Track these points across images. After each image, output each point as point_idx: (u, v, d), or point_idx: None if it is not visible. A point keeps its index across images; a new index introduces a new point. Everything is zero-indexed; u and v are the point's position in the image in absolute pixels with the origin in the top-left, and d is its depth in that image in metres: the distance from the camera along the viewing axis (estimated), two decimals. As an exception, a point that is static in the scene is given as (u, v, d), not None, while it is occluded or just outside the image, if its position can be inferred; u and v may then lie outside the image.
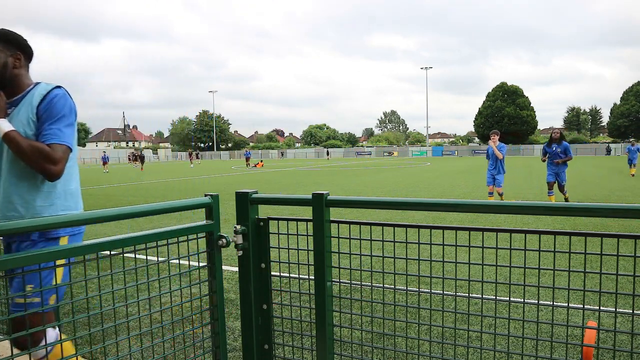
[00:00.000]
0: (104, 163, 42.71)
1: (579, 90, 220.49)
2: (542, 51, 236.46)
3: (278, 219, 2.36)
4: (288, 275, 2.51)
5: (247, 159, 47.15)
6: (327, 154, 77.84)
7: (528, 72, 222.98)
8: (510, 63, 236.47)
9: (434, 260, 2.06)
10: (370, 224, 2.20)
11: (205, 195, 2.28)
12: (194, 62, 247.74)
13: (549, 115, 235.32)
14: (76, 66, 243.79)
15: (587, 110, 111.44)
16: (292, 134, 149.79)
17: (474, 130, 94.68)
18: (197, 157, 54.11)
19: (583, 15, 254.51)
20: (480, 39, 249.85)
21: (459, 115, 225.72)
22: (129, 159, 43.37)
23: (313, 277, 2.24)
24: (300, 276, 2.38)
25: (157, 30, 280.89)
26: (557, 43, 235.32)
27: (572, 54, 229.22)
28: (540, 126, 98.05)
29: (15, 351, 1.90)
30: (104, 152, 47.46)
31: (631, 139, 25.68)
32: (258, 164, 45.25)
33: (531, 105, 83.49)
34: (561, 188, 11.68)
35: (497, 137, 11.43)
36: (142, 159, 45.32)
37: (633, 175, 21.83)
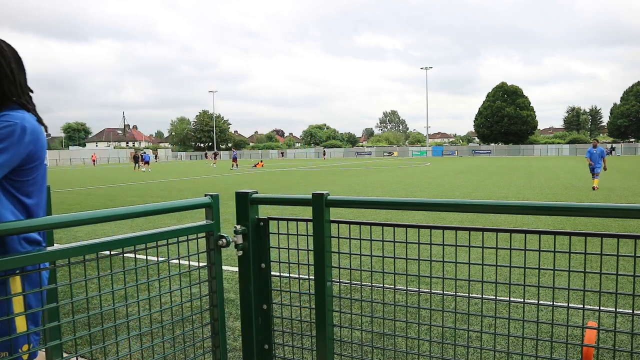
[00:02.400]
0: (146, 163, 43.60)
1: (573, 89, 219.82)
2: (532, 50, 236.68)
3: (278, 219, 2.36)
4: (288, 275, 2.51)
5: (234, 160, 43.79)
6: (324, 154, 77.76)
7: (520, 71, 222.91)
8: (502, 63, 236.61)
9: (434, 260, 2.06)
10: (370, 224, 2.20)
11: (205, 195, 2.28)
12: (184, 63, 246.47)
13: (544, 115, 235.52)
14: (70, 67, 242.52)
15: (587, 110, 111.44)
16: (292, 133, 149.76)
17: (474, 130, 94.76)
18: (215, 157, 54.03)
19: (571, 14, 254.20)
20: (469, 38, 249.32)
21: (454, 115, 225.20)
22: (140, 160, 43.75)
23: (313, 277, 2.24)
24: (300, 276, 2.38)
25: (145, 31, 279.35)
26: (546, 42, 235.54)
27: (563, 53, 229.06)
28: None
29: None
30: (144, 152, 47.66)
31: (592, 140, 20.46)
32: (258, 164, 45.11)
33: (531, 105, 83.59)
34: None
35: None
36: (136, 159, 45.24)
37: (594, 189, 15.34)
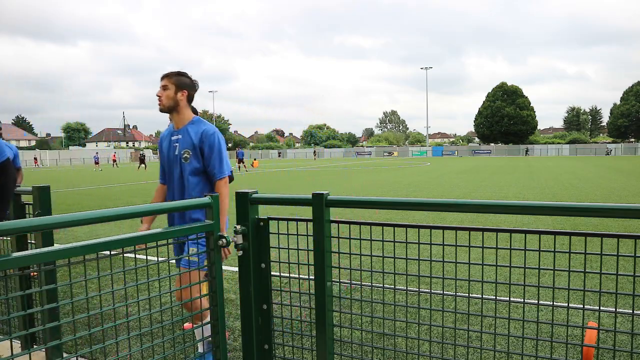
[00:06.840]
0: (96, 163, 45.69)
1: (562, 89, 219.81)
2: (513, 50, 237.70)
3: (278, 219, 2.36)
4: (288, 275, 2.51)
5: (240, 161, 37.34)
6: (314, 154, 76.88)
7: (507, 71, 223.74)
8: (486, 62, 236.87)
9: (434, 260, 2.06)
10: (370, 224, 2.20)
11: (205, 196, 2.28)
12: (166, 63, 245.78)
13: (539, 115, 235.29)
14: (52, 67, 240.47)
15: (587, 110, 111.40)
16: (292, 134, 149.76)
17: (474, 130, 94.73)
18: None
19: (546, 14, 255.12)
20: (446, 39, 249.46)
21: (447, 115, 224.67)
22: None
23: (313, 277, 2.24)
24: (300, 276, 2.38)
25: (122, 31, 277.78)
26: (526, 42, 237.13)
27: (544, 53, 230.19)
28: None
29: (16, 351, 1.90)
30: (97, 152, 49.07)
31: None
32: (253, 163, 44.71)
33: (531, 105, 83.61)
34: None
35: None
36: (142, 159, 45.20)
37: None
